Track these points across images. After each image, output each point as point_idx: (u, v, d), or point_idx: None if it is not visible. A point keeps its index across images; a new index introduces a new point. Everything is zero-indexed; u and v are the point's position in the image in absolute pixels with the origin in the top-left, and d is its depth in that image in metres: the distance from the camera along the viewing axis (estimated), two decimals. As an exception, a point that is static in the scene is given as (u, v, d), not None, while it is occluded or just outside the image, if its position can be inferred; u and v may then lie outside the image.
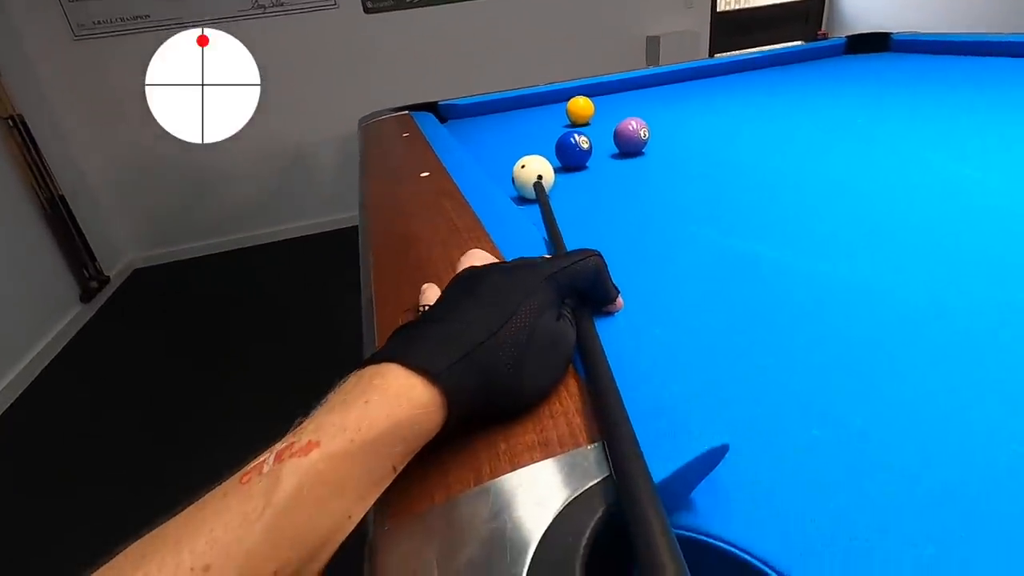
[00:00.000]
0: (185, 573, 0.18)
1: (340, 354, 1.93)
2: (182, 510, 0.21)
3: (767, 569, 0.25)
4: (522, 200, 0.77)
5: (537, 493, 0.25)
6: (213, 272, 3.05)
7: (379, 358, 0.26)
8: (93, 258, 2.74)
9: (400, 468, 0.24)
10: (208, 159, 3.05)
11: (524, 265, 0.33)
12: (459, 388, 0.25)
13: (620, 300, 0.38)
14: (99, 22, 2.66)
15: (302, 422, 0.23)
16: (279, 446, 0.22)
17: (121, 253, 3.10)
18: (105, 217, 2.99)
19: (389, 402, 0.23)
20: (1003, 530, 0.27)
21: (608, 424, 0.26)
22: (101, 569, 0.19)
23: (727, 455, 0.28)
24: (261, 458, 0.22)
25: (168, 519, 0.20)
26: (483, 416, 0.28)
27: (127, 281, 3.02)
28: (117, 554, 0.19)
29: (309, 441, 0.22)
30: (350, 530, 0.22)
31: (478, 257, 0.38)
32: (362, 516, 0.23)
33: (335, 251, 3.05)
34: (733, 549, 0.26)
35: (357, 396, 0.24)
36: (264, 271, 2.99)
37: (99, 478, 1.61)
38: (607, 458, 0.25)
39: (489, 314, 0.28)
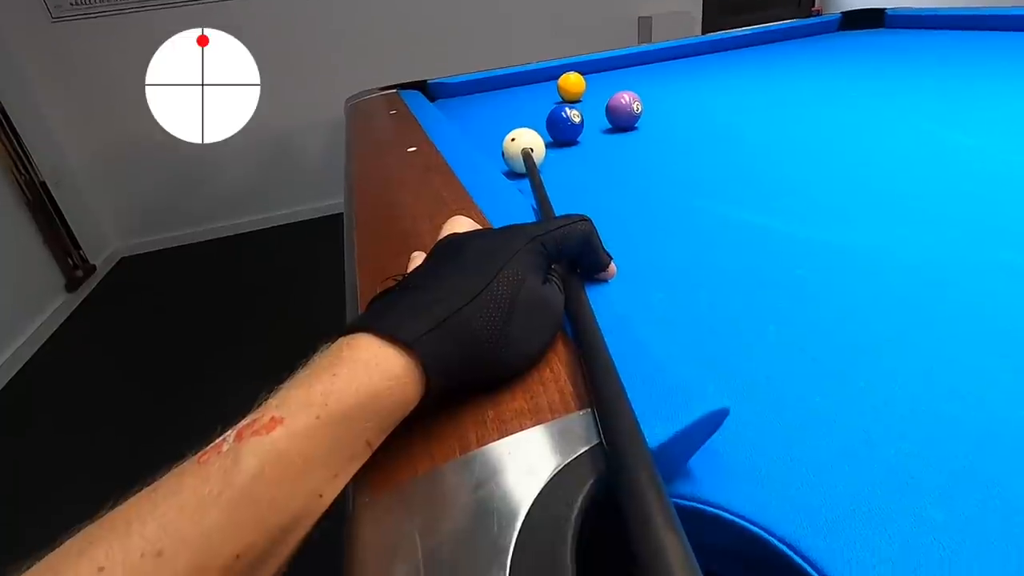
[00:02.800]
0: (135, 559, 0.17)
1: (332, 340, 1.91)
2: (137, 491, 0.19)
3: (770, 538, 0.24)
4: (513, 174, 0.75)
5: (527, 461, 0.23)
6: (201, 260, 3.01)
7: (351, 328, 0.24)
8: (78, 246, 2.70)
9: (377, 443, 0.23)
10: (194, 145, 2.99)
11: (508, 229, 0.31)
12: (436, 356, 0.23)
13: (613, 267, 0.37)
14: (76, 3, 2.59)
15: (267, 398, 0.21)
16: (241, 424, 0.20)
17: (107, 241, 3.05)
18: (90, 204, 2.93)
19: (359, 374, 0.22)
20: (1009, 491, 0.26)
21: (597, 388, 0.25)
22: (47, 557, 0.17)
23: (727, 421, 0.26)
24: (222, 437, 0.20)
25: (120, 501, 0.19)
26: (467, 385, 0.26)
27: (113, 269, 2.98)
28: (65, 540, 0.18)
29: (272, 418, 0.20)
30: (323, 509, 0.21)
31: (461, 224, 0.36)
32: (336, 494, 0.21)
33: (326, 237, 3.01)
34: (735, 518, 0.25)
35: (325, 368, 0.22)
36: (253, 258, 2.96)
37: (87, 470, 1.59)
38: (596, 424, 0.24)
39: (469, 279, 0.26)
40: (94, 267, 2.80)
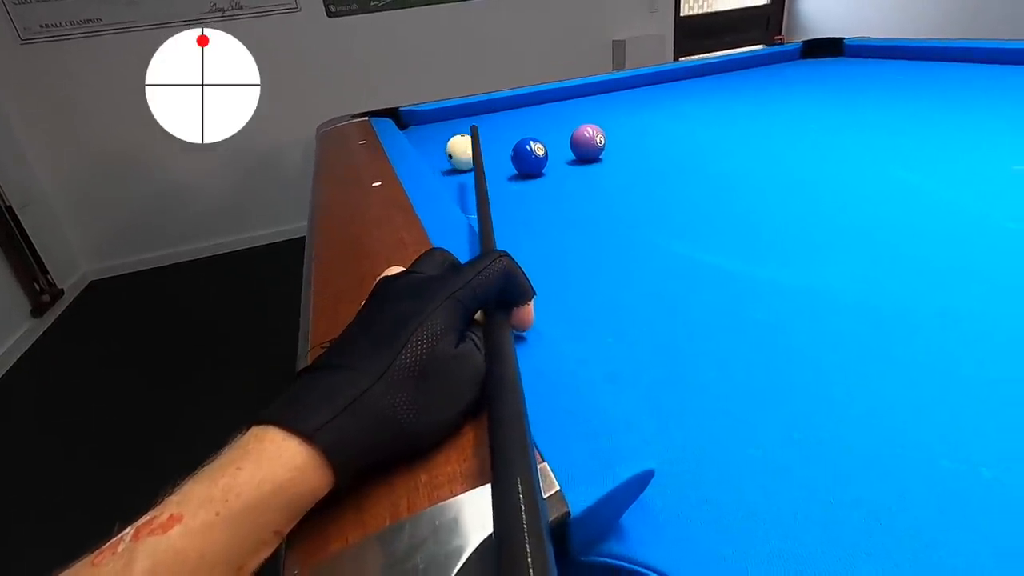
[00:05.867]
0: None
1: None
2: None
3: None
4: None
5: (456, 528, 0.23)
6: (172, 283, 2.96)
7: (261, 419, 0.24)
8: (45, 270, 2.63)
9: (287, 530, 0.23)
10: (166, 166, 2.97)
11: (425, 287, 0.30)
12: (339, 443, 0.23)
13: (531, 312, 0.35)
14: (46, 26, 2.56)
15: (171, 492, 0.21)
16: (141, 520, 0.20)
17: (75, 264, 2.99)
18: (58, 227, 2.87)
19: (262, 467, 0.22)
20: (947, 544, 0.27)
21: (493, 458, 0.24)
22: None
23: (662, 477, 0.27)
24: (120, 535, 0.20)
25: None
26: (388, 460, 0.26)
27: (82, 294, 2.91)
28: None
29: (171, 516, 0.20)
30: None
31: (392, 272, 0.36)
32: None
33: (299, 259, 2.98)
34: (665, 577, 0.25)
35: (230, 463, 0.22)
36: (225, 282, 2.92)
37: (55, 499, 1.54)
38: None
39: (379, 353, 0.26)
40: (62, 291, 2.73)
